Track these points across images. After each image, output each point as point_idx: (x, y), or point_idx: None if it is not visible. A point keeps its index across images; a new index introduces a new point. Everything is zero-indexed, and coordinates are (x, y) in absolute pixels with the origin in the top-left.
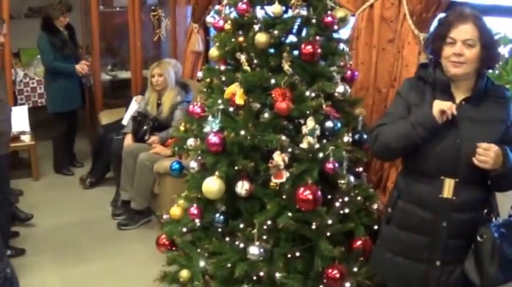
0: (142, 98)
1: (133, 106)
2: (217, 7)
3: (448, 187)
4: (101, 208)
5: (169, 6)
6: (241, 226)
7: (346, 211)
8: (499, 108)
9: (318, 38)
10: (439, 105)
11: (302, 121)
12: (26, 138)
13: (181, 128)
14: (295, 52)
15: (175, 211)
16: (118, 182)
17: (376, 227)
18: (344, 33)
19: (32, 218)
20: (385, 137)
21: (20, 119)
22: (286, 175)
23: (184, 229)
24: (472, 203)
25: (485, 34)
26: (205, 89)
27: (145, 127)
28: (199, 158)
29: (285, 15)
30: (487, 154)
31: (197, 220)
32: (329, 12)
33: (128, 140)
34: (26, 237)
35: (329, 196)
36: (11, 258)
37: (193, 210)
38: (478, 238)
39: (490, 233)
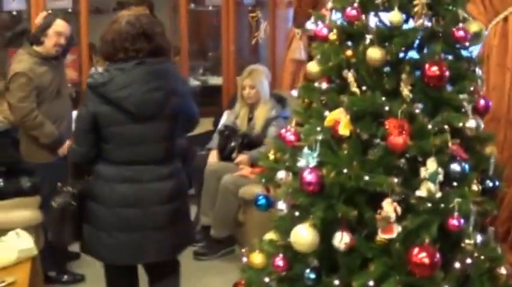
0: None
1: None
2: (320, 12)
3: None
4: None
5: (269, 7)
6: (337, 282)
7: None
8: None
9: (445, 56)
10: None
11: (418, 160)
12: None
13: (271, 156)
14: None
15: (257, 258)
16: (199, 202)
17: None
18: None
19: None
20: None
21: None
22: (397, 229)
23: (267, 279)
24: None
25: None
26: (301, 111)
27: (233, 143)
28: (290, 197)
29: (404, 26)
30: None
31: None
32: (460, 25)
33: (213, 157)
34: (88, 261)
35: (448, 255)
36: (66, 285)
37: (279, 261)
38: None
39: None
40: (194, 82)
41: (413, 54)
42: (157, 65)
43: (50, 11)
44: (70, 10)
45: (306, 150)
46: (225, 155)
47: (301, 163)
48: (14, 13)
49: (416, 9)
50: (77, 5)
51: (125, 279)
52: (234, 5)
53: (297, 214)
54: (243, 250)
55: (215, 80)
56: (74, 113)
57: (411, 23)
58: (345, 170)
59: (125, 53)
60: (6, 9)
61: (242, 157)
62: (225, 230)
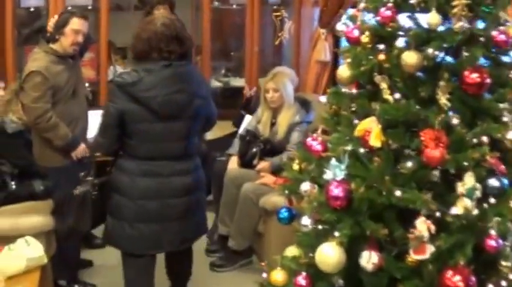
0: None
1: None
2: (351, 11)
3: None
4: None
5: (294, 6)
6: None
7: None
8: None
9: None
10: None
11: (452, 173)
12: None
13: (295, 166)
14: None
15: (278, 275)
16: (217, 210)
17: None
18: None
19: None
20: None
21: None
22: (430, 249)
23: None
24: None
25: None
26: (329, 118)
27: (254, 149)
28: (315, 212)
29: (440, 28)
30: None
31: None
32: (501, 28)
33: (233, 163)
34: (100, 269)
35: (481, 276)
36: None
37: (301, 280)
38: None
39: None
40: (216, 83)
41: (448, 59)
42: (182, 68)
43: (69, 8)
44: (90, 7)
45: (333, 161)
46: (246, 162)
47: (328, 175)
48: (32, 9)
49: (455, 10)
50: (97, 2)
51: (143, 266)
52: (259, 3)
53: (321, 229)
54: (263, 264)
55: (237, 82)
56: (90, 114)
57: (447, 25)
58: (375, 185)
59: (159, 53)
60: (23, 5)
61: (263, 164)
62: (244, 242)
